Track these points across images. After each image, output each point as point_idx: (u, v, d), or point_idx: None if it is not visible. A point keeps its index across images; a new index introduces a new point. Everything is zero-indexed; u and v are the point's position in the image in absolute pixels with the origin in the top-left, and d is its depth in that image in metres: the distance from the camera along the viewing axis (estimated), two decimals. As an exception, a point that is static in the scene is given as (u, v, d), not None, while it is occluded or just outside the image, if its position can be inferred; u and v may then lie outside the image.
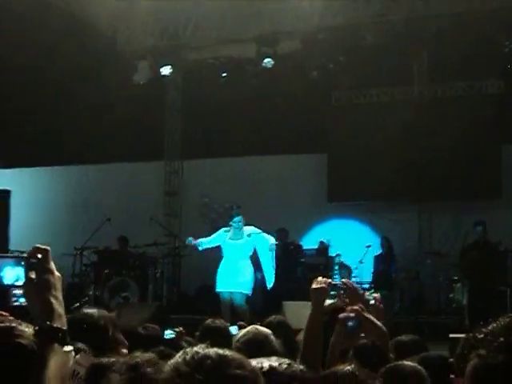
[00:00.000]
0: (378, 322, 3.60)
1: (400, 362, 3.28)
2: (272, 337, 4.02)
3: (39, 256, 2.24)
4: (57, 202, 18.50)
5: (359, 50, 15.31)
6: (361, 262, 13.95)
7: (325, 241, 14.95)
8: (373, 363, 3.15)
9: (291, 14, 14.98)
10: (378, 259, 14.56)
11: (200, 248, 10.84)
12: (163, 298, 14.37)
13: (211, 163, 17.26)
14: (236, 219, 10.66)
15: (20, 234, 16.57)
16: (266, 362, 2.13)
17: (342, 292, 3.99)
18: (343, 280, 4.18)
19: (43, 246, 2.28)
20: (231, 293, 10.24)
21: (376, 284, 13.43)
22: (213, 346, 1.80)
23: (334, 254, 14.53)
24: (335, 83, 16.44)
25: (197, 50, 16.48)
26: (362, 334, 3.51)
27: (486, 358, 1.76)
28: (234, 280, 10.26)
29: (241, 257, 10.34)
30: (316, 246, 14.91)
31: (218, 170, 16.82)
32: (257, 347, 3.67)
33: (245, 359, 1.81)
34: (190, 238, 11.00)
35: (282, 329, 5.16)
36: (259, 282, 12.90)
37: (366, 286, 13.75)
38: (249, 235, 10.33)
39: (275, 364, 2.13)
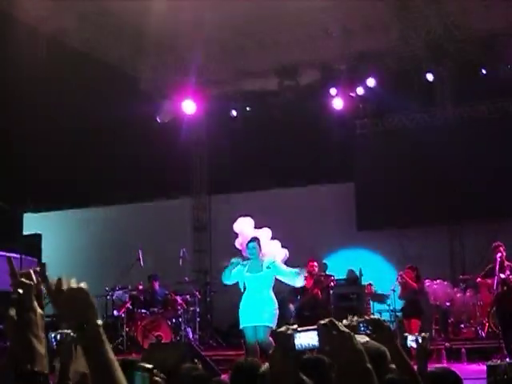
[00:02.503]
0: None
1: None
2: None
3: (20, 291, 2.13)
4: (86, 243, 18.60)
5: (381, 76, 15.28)
6: (393, 290, 13.75)
7: (354, 270, 14.84)
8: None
9: (311, 44, 15.01)
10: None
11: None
12: (196, 335, 14.28)
13: (239, 197, 17.25)
14: (250, 245, 10.19)
15: (51, 276, 16.60)
16: None
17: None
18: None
19: (27, 281, 2.16)
20: (255, 327, 9.97)
21: (406, 312, 13.23)
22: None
23: (365, 283, 14.38)
24: (359, 111, 16.41)
25: (218, 84, 16.54)
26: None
27: None
28: (256, 314, 9.99)
29: (262, 289, 10.03)
30: (345, 276, 14.81)
31: (246, 204, 16.78)
32: None
33: None
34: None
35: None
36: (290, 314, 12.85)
37: (399, 313, 13.59)
38: (268, 267, 10.04)
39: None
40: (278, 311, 9.98)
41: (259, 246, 10.17)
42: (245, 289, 10.10)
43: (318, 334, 2.63)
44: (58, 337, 2.45)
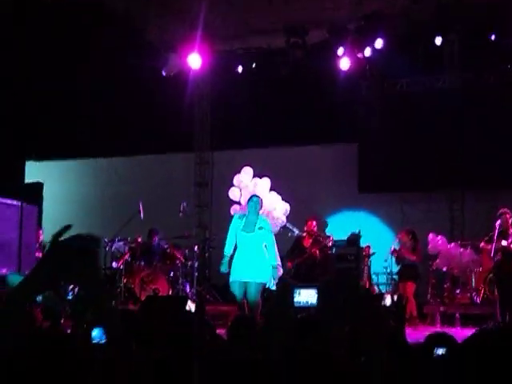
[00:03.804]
0: None
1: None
2: None
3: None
4: (87, 194, 18.65)
5: (389, 38, 15.15)
6: (391, 253, 13.82)
7: (356, 232, 14.90)
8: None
9: (320, 3, 14.86)
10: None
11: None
12: (193, 290, 14.37)
13: (242, 154, 17.21)
14: (254, 199, 10.07)
15: (51, 225, 16.68)
16: None
17: None
18: None
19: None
20: (245, 283, 9.86)
21: (403, 275, 13.32)
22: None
23: (364, 245, 14.42)
24: (365, 73, 16.31)
25: (225, 40, 16.41)
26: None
27: None
28: (247, 270, 9.70)
29: (254, 247, 9.90)
30: (346, 237, 14.86)
31: (249, 162, 16.77)
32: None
33: None
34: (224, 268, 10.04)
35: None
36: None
37: (395, 276, 13.69)
38: (260, 228, 9.91)
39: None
40: (275, 271, 9.87)
41: (261, 204, 10.16)
42: (237, 245, 10.01)
43: (318, 292, 2.65)
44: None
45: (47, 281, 2.27)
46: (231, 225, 10.16)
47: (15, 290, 2.18)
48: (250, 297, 9.64)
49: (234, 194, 14.11)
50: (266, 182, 13.80)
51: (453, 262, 13.94)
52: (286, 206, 13.89)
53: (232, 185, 14.13)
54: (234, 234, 10.00)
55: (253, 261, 9.73)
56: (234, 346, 3.99)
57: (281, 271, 10.26)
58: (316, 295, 2.86)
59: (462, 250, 13.91)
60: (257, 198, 10.17)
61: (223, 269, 10.00)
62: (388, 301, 4.01)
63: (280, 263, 10.29)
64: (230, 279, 9.94)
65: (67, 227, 2.32)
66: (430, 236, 14.30)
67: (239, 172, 14.93)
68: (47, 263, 2.27)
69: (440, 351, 3.41)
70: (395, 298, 4.13)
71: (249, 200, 10.13)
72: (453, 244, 14.35)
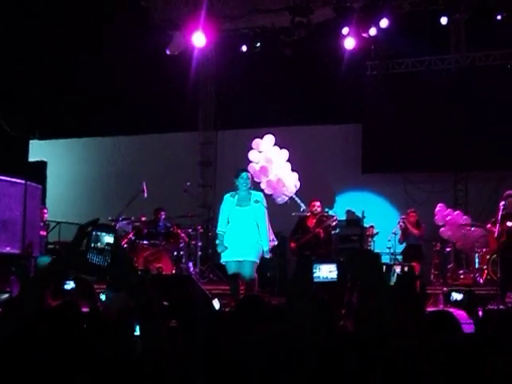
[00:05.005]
0: None
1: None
2: None
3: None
4: (91, 173, 18.64)
5: (394, 18, 15.06)
6: (394, 233, 13.83)
7: (353, 210, 14.95)
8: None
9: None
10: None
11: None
12: (196, 269, 14.39)
13: (245, 133, 17.16)
14: (244, 175, 9.71)
15: (55, 204, 16.74)
16: None
17: None
18: None
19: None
20: (240, 262, 9.50)
21: (407, 255, 13.35)
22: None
23: (367, 225, 14.43)
24: (370, 53, 16.25)
25: (230, 19, 16.33)
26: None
27: None
28: (242, 248, 9.48)
29: (248, 223, 9.68)
30: (344, 218, 14.92)
31: (252, 141, 16.76)
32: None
33: None
34: (221, 248, 9.84)
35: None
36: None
37: (399, 257, 13.69)
38: (256, 201, 9.69)
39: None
40: (266, 248, 9.64)
41: (251, 180, 9.92)
42: (229, 222, 9.77)
43: (337, 267, 2.66)
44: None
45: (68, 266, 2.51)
46: (223, 203, 9.89)
47: (41, 270, 2.43)
48: (245, 275, 9.48)
49: (253, 156, 14.81)
50: (285, 153, 14.50)
51: (459, 232, 13.97)
52: (297, 182, 14.16)
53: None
54: (227, 212, 9.75)
55: (247, 238, 9.49)
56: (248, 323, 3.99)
57: (274, 243, 10.11)
58: (336, 270, 2.88)
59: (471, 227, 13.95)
60: (246, 173, 9.86)
61: (220, 249, 9.82)
62: (398, 272, 3.97)
63: (274, 237, 10.11)
64: (225, 259, 9.72)
65: (96, 220, 2.47)
66: (439, 206, 14.36)
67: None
68: (72, 250, 2.44)
69: (456, 296, 3.41)
70: (405, 269, 4.09)
71: (238, 176, 9.73)
72: (458, 211, 14.42)
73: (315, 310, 3.39)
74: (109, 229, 2.44)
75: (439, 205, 14.44)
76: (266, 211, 9.72)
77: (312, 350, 1.78)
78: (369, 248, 13.55)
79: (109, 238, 2.42)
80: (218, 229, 9.91)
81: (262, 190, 12.74)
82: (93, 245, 2.40)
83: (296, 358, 1.73)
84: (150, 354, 2.25)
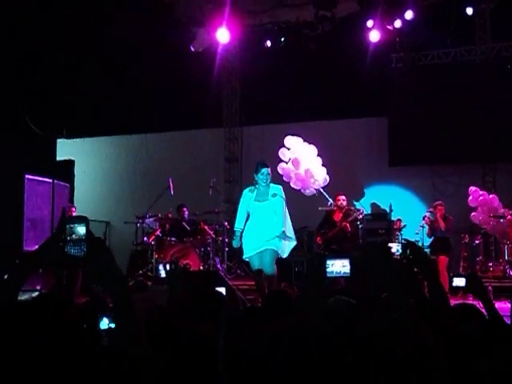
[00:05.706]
0: None
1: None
2: None
3: None
4: (118, 171, 18.76)
5: (419, 9, 14.97)
6: (422, 226, 13.75)
7: (378, 204, 14.92)
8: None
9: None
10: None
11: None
12: (224, 265, 14.41)
13: (271, 129, 17.18)
14: (264, 171, 9.61)
15: (83, 202, 16.86)
16: None
17: None
18: None
19: None
20: (261, 253, 9.37)
21: (435, 248, 13.24)
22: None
23: (395, 219, 14.37)
24: (395, 45, 16.16)
25: (254, 14, 16.32)
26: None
27: None
28: (261, 239, 9.38)
29: (268, 216, 9.57)
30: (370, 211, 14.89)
31: (278, 136, 16.73)
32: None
33: None
34: (236, 242, 9.85)
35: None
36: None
37: (427, 250, 13.60)
38: (273, 195, 9.61)
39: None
40: (289, 241, 9.59)
41: (270, 174, 9.83)
42: (248, 217, 9.76)
43: (351, 262, 2.64)
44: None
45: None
46: (242, 198, 9.89)
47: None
48: (265, 267, 9.37)
49: (283, 153, 14.85)
50: (313, 148, 14.67)
51: (489, 220, 13.90)
52: (327, 176, 14.23)
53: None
54: (246, 207, 9.74)
55: (266, 228, 9.45)
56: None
57: (293, 243, 9.91)
58: (349, 265, 2.84)
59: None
60: (266, 169, 9.71)
61: (235, 244, 9.82)
62: (395, 249, 3.82)
63: (294, 237, 9.96)
64: (246, 254, 9.67)
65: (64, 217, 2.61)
66: (472, 188, 14.30)
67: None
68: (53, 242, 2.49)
69: (458, 282, 3.37)
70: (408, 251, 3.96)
71: (258, 172, 9.65)
72: (493, 195, 14.34)
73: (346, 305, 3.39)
74: (79, 219, 2.47)
75: (471, 187, 14.39)
76: (284, 203, 9.64)
77: (324, 340, 1.77)
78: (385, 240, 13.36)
79: (81, 229, 2.45)
80: (236, 226, 9.92)
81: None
82: (68, 238, 2.43)
83: (311, 349, 1.72)
84: (121, 349, 2.24)
